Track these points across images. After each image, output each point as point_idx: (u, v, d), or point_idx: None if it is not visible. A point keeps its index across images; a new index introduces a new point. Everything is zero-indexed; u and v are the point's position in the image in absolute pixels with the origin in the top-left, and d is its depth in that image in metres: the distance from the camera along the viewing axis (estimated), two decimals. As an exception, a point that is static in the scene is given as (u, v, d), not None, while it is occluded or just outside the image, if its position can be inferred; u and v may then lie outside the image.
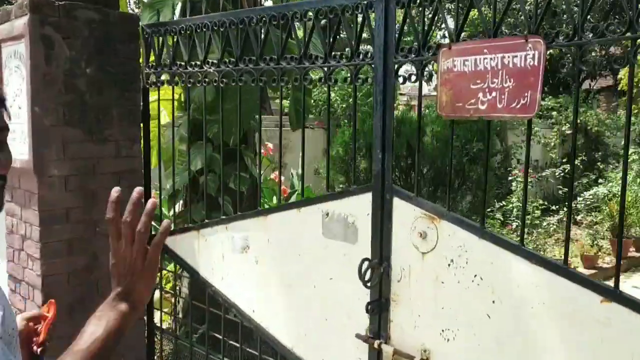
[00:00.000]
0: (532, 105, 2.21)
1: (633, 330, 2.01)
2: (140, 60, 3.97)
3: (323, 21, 3.00)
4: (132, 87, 3.89)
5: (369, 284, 2.77)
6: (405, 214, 2.74)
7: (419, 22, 2.63)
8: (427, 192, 6.27)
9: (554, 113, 12.41)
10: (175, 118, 4.22)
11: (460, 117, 2.51)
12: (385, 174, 2.81)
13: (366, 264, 2.78)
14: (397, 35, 2.70)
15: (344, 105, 9.78)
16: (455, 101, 2.49)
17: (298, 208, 3.23)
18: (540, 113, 12.52)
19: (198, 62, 3.53)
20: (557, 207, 9.93)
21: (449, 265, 2.57)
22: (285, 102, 5.92)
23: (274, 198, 7.00)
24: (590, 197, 9.05)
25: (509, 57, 2.28)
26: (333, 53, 2.93)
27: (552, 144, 11.92)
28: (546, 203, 9.37)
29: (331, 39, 2.93)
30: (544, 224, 8.64)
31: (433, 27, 2.77)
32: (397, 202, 2.77)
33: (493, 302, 2.42)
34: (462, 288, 2.53)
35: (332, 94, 10.10)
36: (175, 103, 4.38)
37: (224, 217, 3.65)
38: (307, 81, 3.09)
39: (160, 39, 3.81)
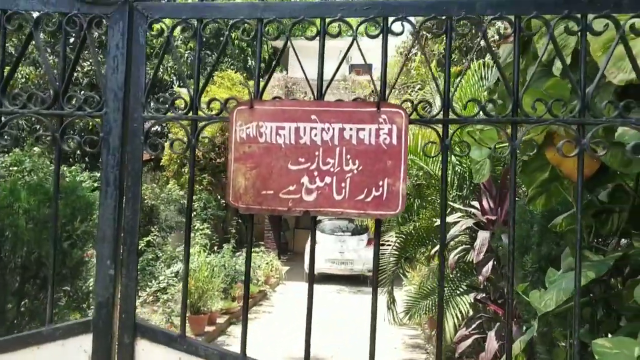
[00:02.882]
0: (392, 200, 1.60)
1: None
2: None
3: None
4: None
5: None
6: (164, 368, 1.66)
7: (193, 56, 1.69)
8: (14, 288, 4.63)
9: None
10: None
11: (269, 212, 1.67)
12: (117, 301, 1.67)
13: None
14: (150, 76, 1.68)
15: None
16: (261, 187, 1.65)
17: None
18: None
19: None
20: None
21: None
22: None
23: None
24: (173, 274, 8.70)
25: (351, 129, 1.63)
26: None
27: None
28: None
29: None
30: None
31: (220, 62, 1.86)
32: (145, 347, 1.66)
33: None
34: None
35: None
36: None
37: None
38: None
39: None
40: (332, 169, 1.63)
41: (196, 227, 10.08)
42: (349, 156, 1.63)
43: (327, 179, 1.63)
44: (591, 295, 3.12)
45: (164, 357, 1.65)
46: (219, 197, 13.95)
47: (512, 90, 1.61)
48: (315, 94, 1.69)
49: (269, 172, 1.65)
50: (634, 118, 1.55)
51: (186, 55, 13.20)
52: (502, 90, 2.99)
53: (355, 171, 1.62)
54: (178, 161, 14.10)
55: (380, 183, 1.61)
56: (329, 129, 1.64)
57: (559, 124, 1.58)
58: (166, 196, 11.93)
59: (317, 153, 1.64)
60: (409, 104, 1.66)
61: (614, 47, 1.57)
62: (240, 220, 12.94)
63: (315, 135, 1.64)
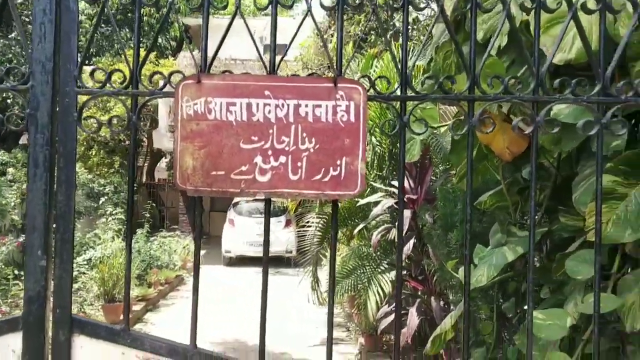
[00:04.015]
0: (351, 179, 1.55)
1: None
2: None
3: None
4: None
5: None
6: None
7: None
8: None
9: (11, 169, 10.88)
10: None
11: (220, 194, 1.56)
12: (50, 295, 1.52)
13: None
14: (84, 46, 1.51)
15: None
16: (210, 167, 1.54)
17: None
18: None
19: None
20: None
21: None
22: None
23: None
24: (85, 262, 8.22)
25: (307, 105, 1.55)
26: None
27: (11, 204, 10.39)
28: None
29: None
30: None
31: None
32: (84, 344, 1.52)
33: None
34: None
35: None
36: None
37: None
38: None
39: None
40: (287, 148, 1.55)
41: (109, 212, 9.60)
42: (304, 134, 1.55)
43: (282, 159, 1.55)
44: (509, 270, 3.23)
45: (105, 353, 1.52)
46: (130, 180, 13.35)
47: (469, 67, 1.59)
48: (268, 69, 1.59)
49: (219, 152, 1.54)
50: (585, 96, 1.57)
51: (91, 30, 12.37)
52: (437, 69, 3.01)
53: (311, 150, 1.55)
54: (85, 143, 13.38)
55: (338, 162, 1.55)
56: (283, 105, 1.55)
57: (515, 101, 1.58)
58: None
59: (271, 131, 1.55)
60: (366, 80, 1.60)
61: (566, 25, 1.59)
62: (154, 204, 12.51)
63: (269, 112, 1.55)
